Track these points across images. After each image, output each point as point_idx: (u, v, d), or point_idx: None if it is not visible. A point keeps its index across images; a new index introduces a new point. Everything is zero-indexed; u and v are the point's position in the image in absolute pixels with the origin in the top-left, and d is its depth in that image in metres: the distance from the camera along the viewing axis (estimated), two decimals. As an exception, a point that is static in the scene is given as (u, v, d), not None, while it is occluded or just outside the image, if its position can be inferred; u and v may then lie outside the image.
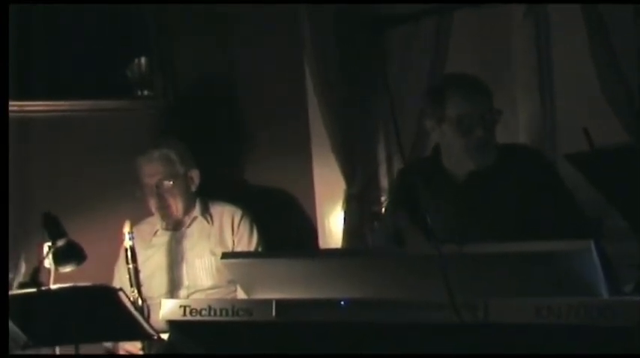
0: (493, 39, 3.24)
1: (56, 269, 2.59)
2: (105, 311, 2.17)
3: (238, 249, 2.91)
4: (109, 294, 2.19)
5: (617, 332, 1.57)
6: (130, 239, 2.66)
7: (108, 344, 2.80)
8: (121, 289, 2.22)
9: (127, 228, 2.66)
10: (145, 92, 3.30)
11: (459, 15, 3.08)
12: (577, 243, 1.65)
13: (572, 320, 1.63)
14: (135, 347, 2.69)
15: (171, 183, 2.88)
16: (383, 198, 3.24)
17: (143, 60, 3.28)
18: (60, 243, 2.58)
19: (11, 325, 2.10)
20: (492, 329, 1.70)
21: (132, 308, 2.18)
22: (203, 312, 1.98)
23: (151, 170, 2.88)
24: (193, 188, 2.96)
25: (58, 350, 2.45)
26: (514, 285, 1.74)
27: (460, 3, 3.01)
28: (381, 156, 3.28)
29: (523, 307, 1.68)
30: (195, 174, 2.96)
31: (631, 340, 1.53)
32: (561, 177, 2.36)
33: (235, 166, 3.39)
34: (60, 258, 2.59)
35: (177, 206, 2.91)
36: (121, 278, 2.83)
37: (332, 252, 2.71)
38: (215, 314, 1.97)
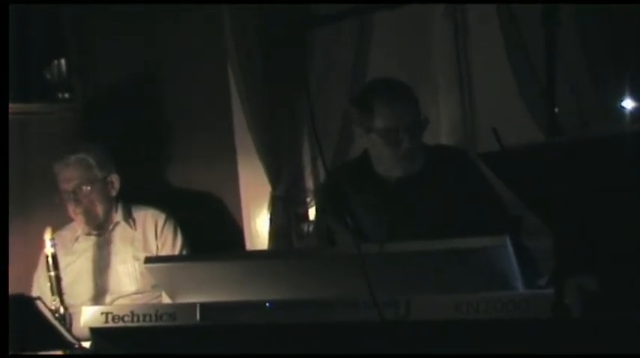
0: (414, 39, 3.29)
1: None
2: (22, 321, 2.11)
3: (162, 253, 2.87)
4: (26, 304, 2.13)
5: (533, 325, 1.62)
6: (51, 246, 2.59)
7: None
8: (38, 298, 2.17)
9: (48, 235, 2.59)
10: (66, 95, 3.23)
11: (380, 16, 3.11)
12: (493, 239, 1.70)
13: (490, 315, 1.67)
14: (57, 356, 2.63)
15: (90, 188, 2.83)
16: (308, 199, 3.26)
17: (63, 61, 3.21)
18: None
19: None
20: (415, 325, 1.73)
21: (50, 318, 2.13)
22: (126, 318, 1.96)
23: (68, 175, 2.82)
24: (114, 192, 2.91)
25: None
26: (436, 282, 1.78)
27: (381, 3, 3.04)
28: (306, 157, 3.29)
29: (443, 303, 1.71)
30: (115, 179, 2.91)
31: (545, 331, 1.58)
32: (484, 175, 2.41)
33: (159, 169, 3.35)
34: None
35: (96, 211, 2.86)
36: (41, 287, 2.77)
37: (256, 254, 2.70)
38: (138, 319, 1.95)
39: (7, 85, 2.27)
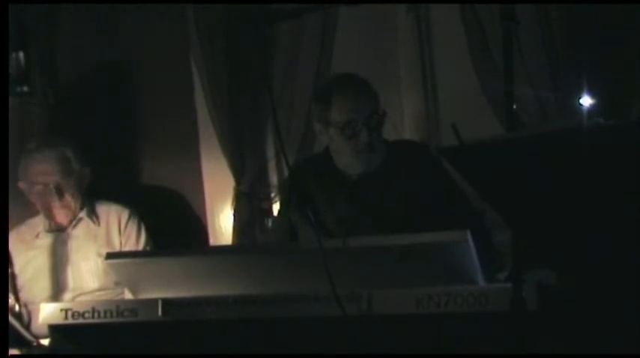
0: (378, 35, 3.31)
1: None
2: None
3: (126, 249, 2.85)
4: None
5: (492, 318, 1.65)
6: (5, 243, 2.55)
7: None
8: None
9: (1, 232, 2.56)
10: (25, 88, 3.17)
11: (344, 12, 3.12)
12: (454, 234, 1.72)
13: (450, 309, 1.69)
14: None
15: (68, 182, 2.78)
16: (272, 195, 3.26)
17: (21, 54, 3.15)
18: None
19: None
20: (376, 319, 1.74)
21: (7, 315, 2.10)
22: (86, 315, 1.94)
23: (45, 168, 2.77)
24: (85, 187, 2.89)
25: None
26: (397, 277, 1.79)
27: (344, 2, 3.05)
28: (270, 152, 3.29)
29: (405, 297, 1.73)
30: (87, 173, 2.88)
31: (504, 324, 1.60)
32: (446, 169, 2.42)
33: (123, 165, 3.32)
34: None
35: (70, 205, 2.82)
36: (-4, 284, 2.73)
37: (219, 249, 2.69)
38: (99, 316, 1.94)
39: (8, 84, 2.23)
